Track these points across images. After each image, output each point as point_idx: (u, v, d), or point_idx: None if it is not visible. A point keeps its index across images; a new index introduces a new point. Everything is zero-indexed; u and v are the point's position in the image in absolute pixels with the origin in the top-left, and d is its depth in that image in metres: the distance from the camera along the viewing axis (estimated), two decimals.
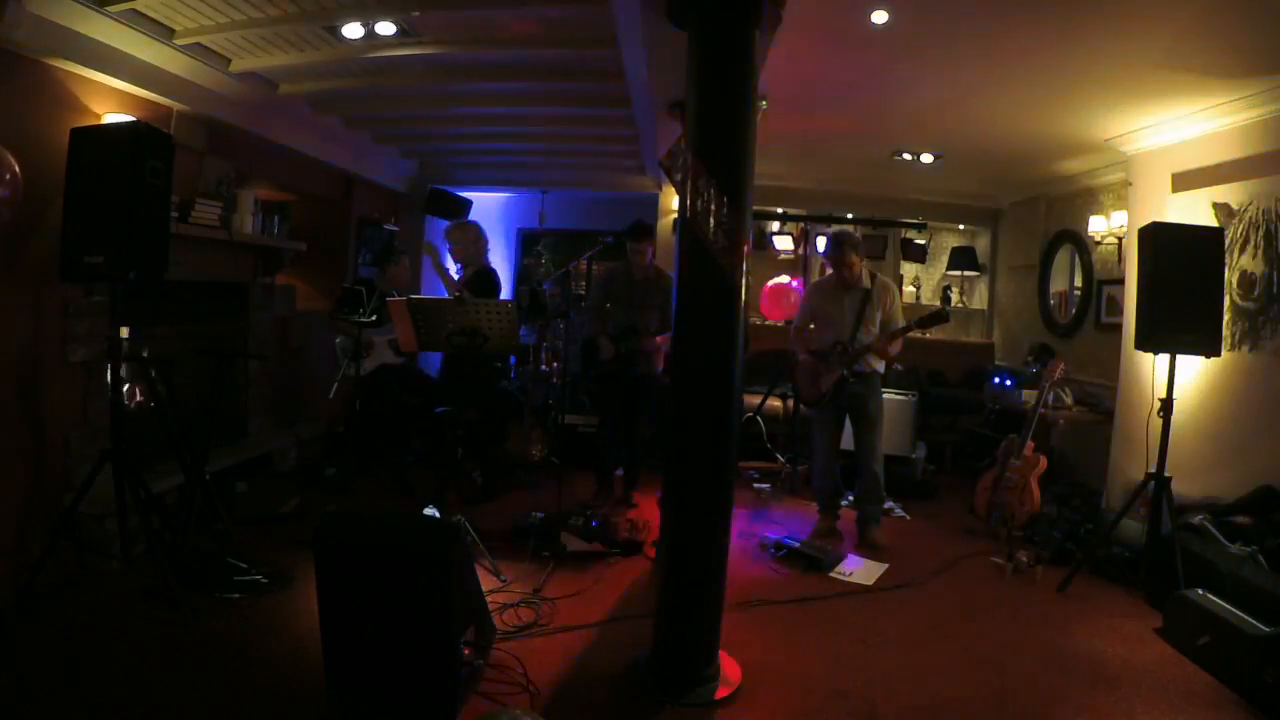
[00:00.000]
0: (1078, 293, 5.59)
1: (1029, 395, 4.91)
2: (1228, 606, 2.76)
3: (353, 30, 3.29)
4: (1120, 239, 4.96)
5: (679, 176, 2.52)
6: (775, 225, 6.87)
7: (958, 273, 7.02)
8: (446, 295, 4.08)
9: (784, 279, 6.60)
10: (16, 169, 2.63)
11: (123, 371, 2.86)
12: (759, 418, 5.37)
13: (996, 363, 6.34)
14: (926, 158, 5.33)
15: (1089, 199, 5.46)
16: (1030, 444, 4.25)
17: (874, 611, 3.20)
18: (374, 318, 4.30)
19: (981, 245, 6.99)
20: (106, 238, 2.67)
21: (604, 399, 4.64)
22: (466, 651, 2.33)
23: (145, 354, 3.15)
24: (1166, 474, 3.33)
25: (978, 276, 7.02)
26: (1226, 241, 3.56)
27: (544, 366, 5.71)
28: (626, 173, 6.37)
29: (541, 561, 3.46)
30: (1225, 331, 3.57)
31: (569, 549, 3.57)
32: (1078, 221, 5.53)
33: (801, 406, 4.73)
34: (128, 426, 2.88)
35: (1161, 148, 4.14)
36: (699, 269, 2.45)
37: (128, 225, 2.67)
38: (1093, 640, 2.97)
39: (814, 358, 4.13)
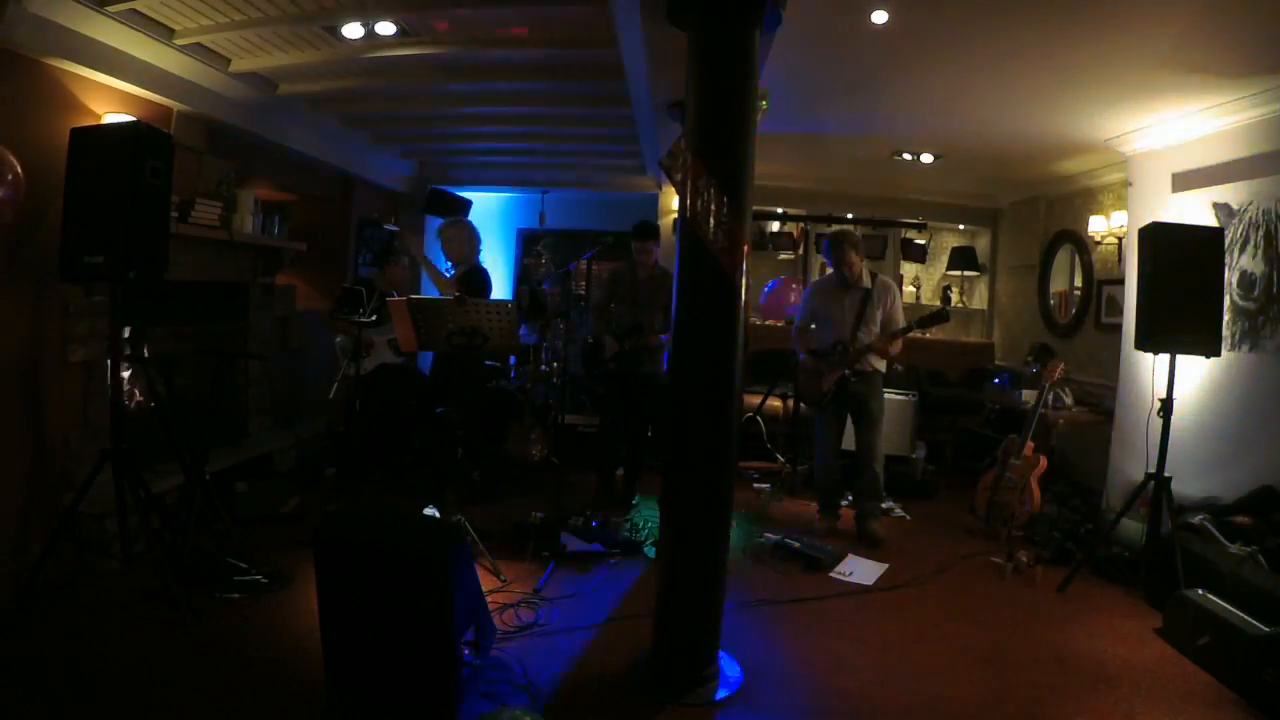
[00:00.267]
0: (1078, 293, 5.59)
1: (1029, 395, 4.91)
2: (1228, 606, 2.75)
3: (352, 30, 3.29)
4: (1120, 239, 4.96)
5: (679, 176, 2.51)
6: (775, 225, 6.87)
7: (958, 273, 7.02)
8: (438, 295, 4.09)
9: (784, 279, 6.60)
10: (19, 169, 2.63)
11: (123, 371, 2.85)
12: (759, 418, 5.37)
13: (996, 363, 6.34)
14: (926, 158, 5.33)
15: (1089, 199, 5.46)
16: (1030, 444, 4.26)
17: (874, 611, 3.20)
18: (374, 317, 4.30)
19: (981, 245, 6.99)
20: (106, 238, 2.67)
21: (607, 398, 4.64)
22: (466, 651, 2.34)
23: (145, 354, 3.15)
24: (1166, 474, 3.33)
25: (978, 276, 7.02)
26: (1226, 241, 3.56)
27: (544, 366, 5.71)
28: (626, 173, 6.38)
29: (541, 561, 3.47)
30: (1225, 331, 3.57)
31: (569, 549, 3.57)
32: (1077, 221, 5.53)
33: (802, 406, 4.73)
34: (128, 426, 2.88)
35: (1161, 148, 4.13)
36: (699, 269, 2.45)
37: (128, 225, 2.67)
38: (1093, 640, 2.96)
39: (815, 357, 4.13)
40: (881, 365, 4.05)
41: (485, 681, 2.43)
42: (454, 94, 4.34)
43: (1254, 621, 2.62)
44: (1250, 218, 3.62)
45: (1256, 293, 3.57)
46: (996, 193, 6.61)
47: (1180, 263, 3.30)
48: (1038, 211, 6.13)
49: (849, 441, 4.17)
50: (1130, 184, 4.42)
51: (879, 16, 2.96)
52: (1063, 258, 5.82)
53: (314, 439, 4.89)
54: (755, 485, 5.01)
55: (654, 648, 2.58)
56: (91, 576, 3.01)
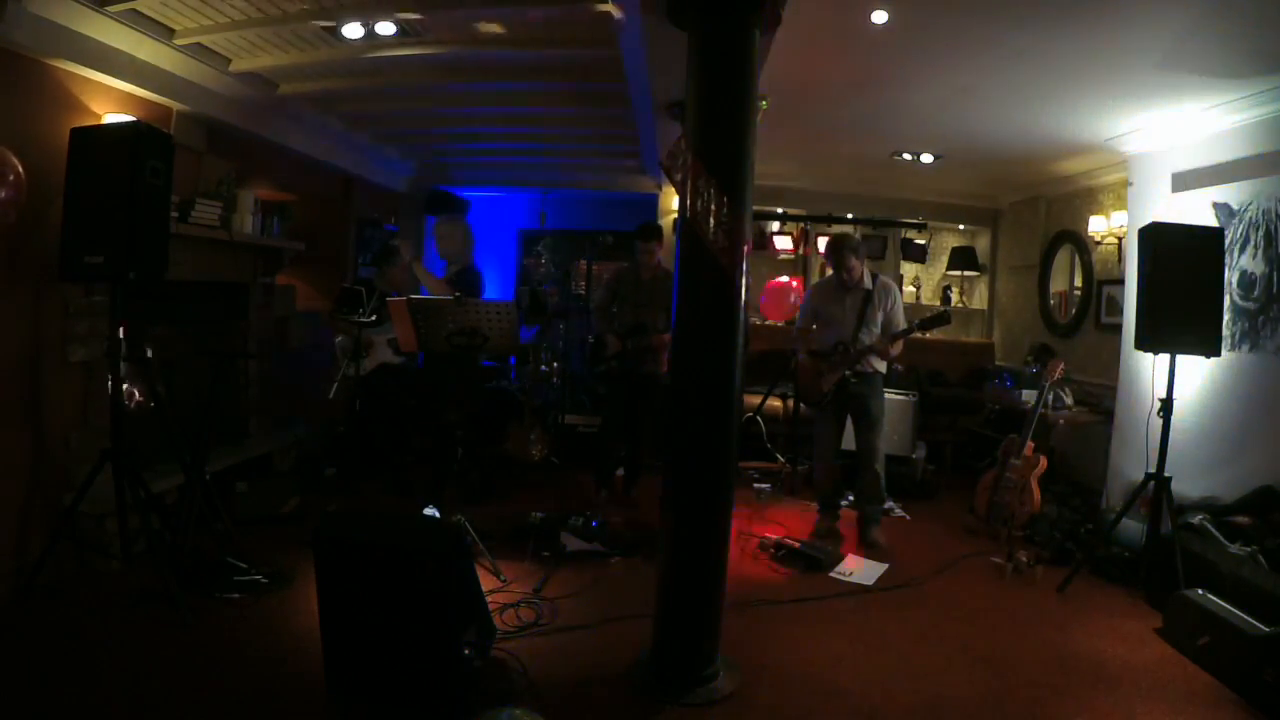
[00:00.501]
0: (1078, 293, 5.59)
1: (1029, 395, 4.91)
2: (1228, 606, 2.75)
3: (353, 30, 3.29)
4: (1120, 239, 4.96)
5: (679, 176, 2.51)
6: (775, 225, 6.87)
7: (958, 273, 7.02)
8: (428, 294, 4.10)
9: (784, 279, 6.60)
10: (20, 170, 2.63)
11: (123, 371, 2.85)
12: (759, 418, 5.38)
13: (996, 363, 6.34)
14: (926, 158, 5.33)
15: (1089, 199, 5.46)
16: (1030, 444, 4.25)
17: (874, 611, 3.20)
18: (373, 317, 4.30)
19: (981, 245, 6.99)
20: (106, 237, 2.67)
21: (608, 397, 4.64)
22: (466, 651, 2.34)
23: (145, 354, 3.15)
24: (1166, 474, 3.32)
25: (978, 276, 7.02)
26: (1226, 241, 3.56)
27: (544, 366, 5.71)
28: (626, 173, 6.37)
29: (541, 561, 3.46)
30: (1225, 331, 3.56)
31: (569, 549, 3.57)
32: (1077, 222, 5.53)
33: (802, 406, 4.73)
34: (128, 426, 2.88)
35: (1161, 148, 4.13)
36: (699, 269, 2.45)
37: (128, 225, 2.67)
38: (1093, 640, 2.96)
39: (816, 358, 4.13)
40: (882, 366, 4.05)
41: (485, 681, 2.43)
42: (454, 94, 4.34)
43: (1254, 621, 2.61)
44: (1250, 218, 3.62)
45: (1256, 293, 3.57)
46: (996, 193, 6.61)
47: (1180, 263, 3.30)
48: (1038, 211, 6.13)
49: (849, 442, 4.17)
50: (1130, 184, 4.41)
51: (879, 16, 2.95)
52: (1063, 258, 5.82)
53: (314, 439, 4.89)
54: (755, 485, 5.01)
55: (654, 648, 2.58)
56: (91, 576, 3.01)
